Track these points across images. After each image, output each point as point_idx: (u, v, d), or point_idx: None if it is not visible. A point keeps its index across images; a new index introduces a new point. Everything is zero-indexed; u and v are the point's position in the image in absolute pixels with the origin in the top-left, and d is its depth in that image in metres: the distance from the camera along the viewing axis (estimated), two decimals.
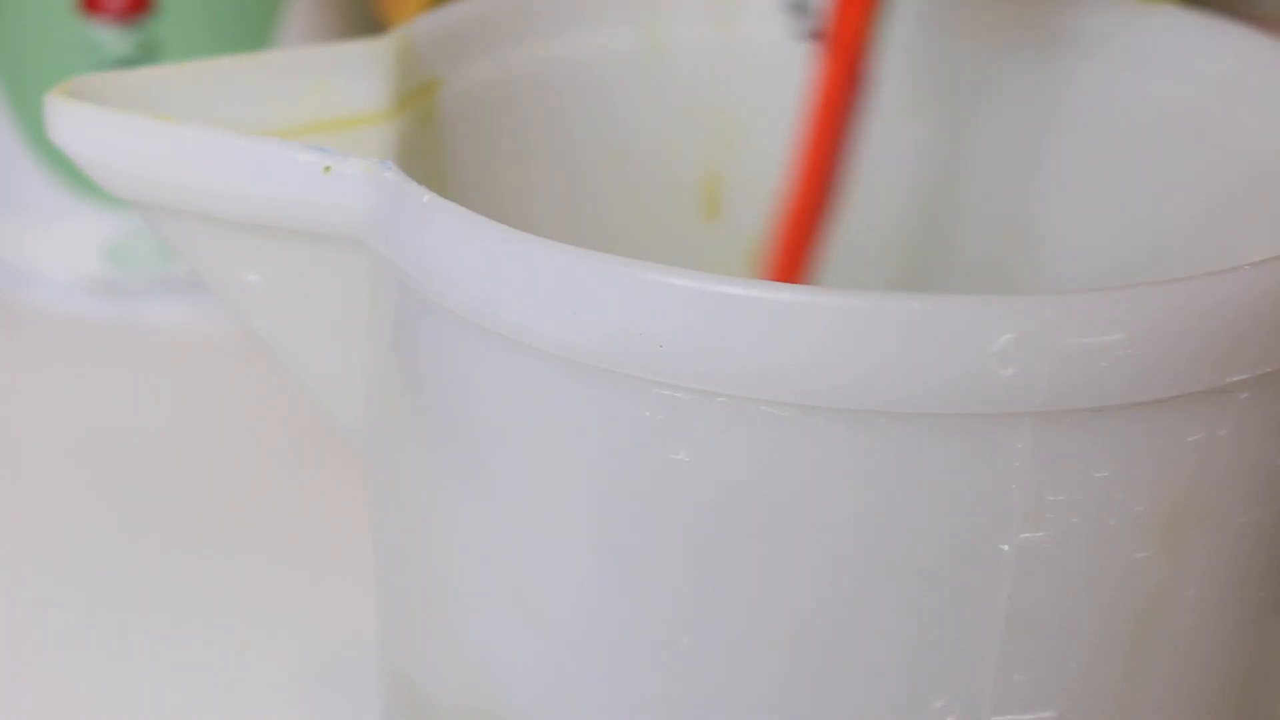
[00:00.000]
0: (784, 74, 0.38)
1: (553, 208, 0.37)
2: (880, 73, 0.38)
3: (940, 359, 0.25)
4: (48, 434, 0.47)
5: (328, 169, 0.29)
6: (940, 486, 0.26)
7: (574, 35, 0.37)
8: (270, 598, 0.40)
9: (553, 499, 0.27)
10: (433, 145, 0.34)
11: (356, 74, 0.32)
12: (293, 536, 0.42)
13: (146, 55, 0.49)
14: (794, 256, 0.34)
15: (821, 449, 0.26)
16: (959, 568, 0.26)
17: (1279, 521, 0.28)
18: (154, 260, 0.51)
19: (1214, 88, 0.35)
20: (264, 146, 0.29)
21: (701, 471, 0.26)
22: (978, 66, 0.38)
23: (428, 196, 0.27)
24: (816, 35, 0.34)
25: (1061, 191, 0.38)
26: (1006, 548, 0.26)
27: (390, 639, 0.32)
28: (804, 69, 0.38)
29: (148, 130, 0.30)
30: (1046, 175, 0.38)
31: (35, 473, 0.45)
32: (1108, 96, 0.36)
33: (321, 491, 0.44)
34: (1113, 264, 0.37)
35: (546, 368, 0.27)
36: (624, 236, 0.38)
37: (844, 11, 0.33)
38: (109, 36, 0.49)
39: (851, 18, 0.33)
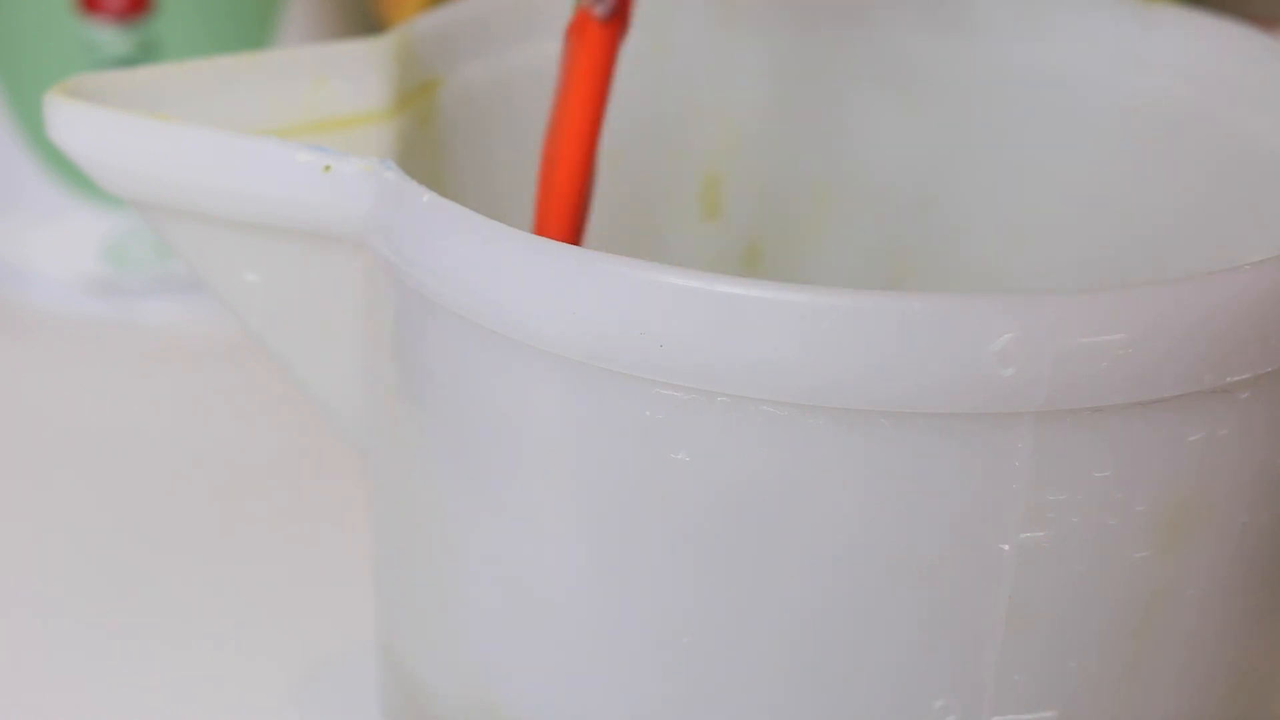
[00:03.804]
0: (784, 74, 0.38)
1: None
2: (879, 72, 0.38)
3: (940, 359, 0.25)
4: (45, 433, 0.47)
5: (327, 168, 0.29)
6: (940, 486, 0.26)
7: None
8: (270, 597, 0.40)
9: (552, 498, 0.27)
10: (432, 145, 0.34)
11: (355, 73, 0.32)
12: (292, 536, 0.42)
13: (145, 55, 0.49)
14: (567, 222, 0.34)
15: (821, 449, 0.26)
16: (959, 568, 0.26)
17: (1261, 519, 0.28)
18: (152, 260, 0.51)
19: (1214, 87, 0.35)
20: (263, 146, 0.29)
21: (701, 471, 0.26)
22: (976, 65, 0.38)
23: (427, 196, 0.27)
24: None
25: (1061, 191, 0.38)
26: (1007, 547, 0.26)
27: (390, 637, 0.32)
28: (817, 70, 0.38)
29: (146, 130, 0.30)
30: (1046, 174, 0.38)
31: (32, 471, 0.45)
32: (1107, 96, 0.36)
33: (321, 491, 0.44)
34: (1112, 264, 0.37)
35: (546, 367, 0.27)
36: (623, 236, 0.38)
37: None
38: (108, 36, 0.49)
39: None
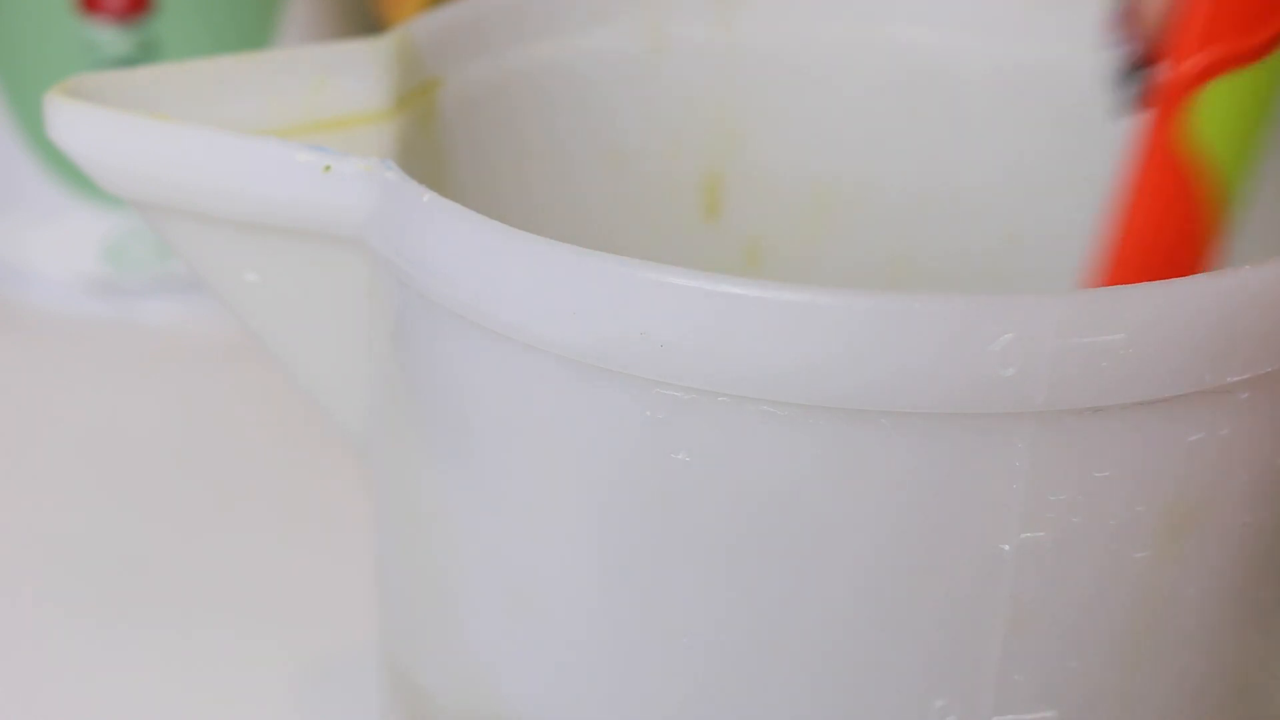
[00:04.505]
0: (784, 74, 0.38)
1: (551, 208, 0.37)
2: (880, 70, 0.38)
3: (940, 359, 0.25)
4: (45, 433, 0.47)
5: (327, 168, 0.29)
6: (940, 486, 0.25)
7: (574, 35, 0.37)
8: (270, 597, 0.40)
9: (553, 499, 0.27)
10: (432, 145, 0.34)
11: (356, 73, 0.32)
12: (292, 536, 0.42)
13: (146, 55, 0.49)
14: None
15: (822, 449, 0.25)
16: (959, 567, 0.26)
17: (1261, 519, 0.27)
18: (152, 259, 0.51)
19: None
20: (263, 146, 0.29)
21: (702, 472, 0.26)
22: (978, 65, 0.38)
23: (428, 196, 0.27)
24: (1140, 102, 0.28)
25: (1061, 191, 0.37)
26: (1007, 547, 0.26)
27: (391, 639, 0.32)
28: (818, 70, 0.38)
29: (147, 130, 0.30)
30: (1046, 174, 0.38)
31: (33, 471, 0.45)
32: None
33: (321, 491, 0.44)
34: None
35: (547, 368, 0.27)
36: (623, 236, 0.38)
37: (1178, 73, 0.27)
38: (108, 36, 0.49)
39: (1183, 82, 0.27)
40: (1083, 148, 0.37)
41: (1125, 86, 0.28)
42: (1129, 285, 0.25)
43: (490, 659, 0.29)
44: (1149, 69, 0.28)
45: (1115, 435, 0.25)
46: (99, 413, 0.48)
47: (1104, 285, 0.29)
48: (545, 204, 0.37)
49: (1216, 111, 0.26)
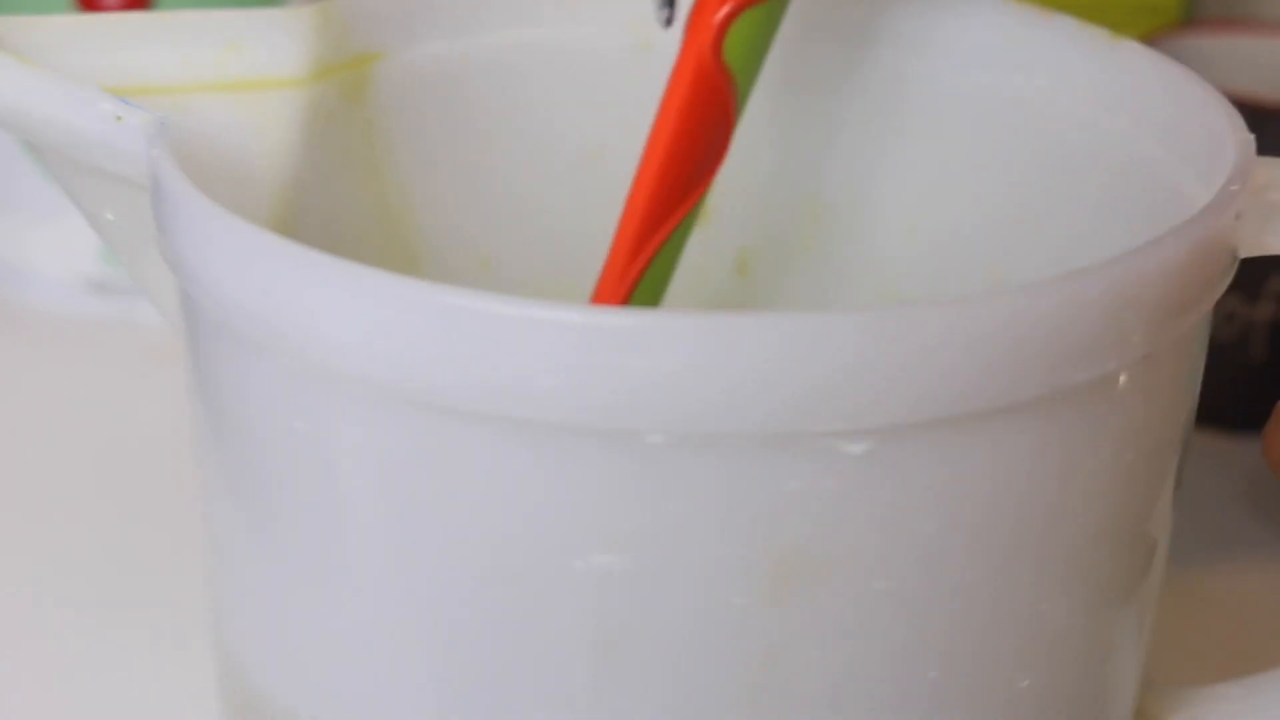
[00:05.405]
0: (771, 73, 0.38)
1: (521, 201, 0.37)
2: (869, 90, 0.37)
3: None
4: (44, 432, 0.47)
5: (119, 119, 0.29)
6: (523, 495, 0.25)
7: (553, 27, 0.36)
8: None
9: (322, 513, 0.27)
10: (362, 121, 0.34)
11: (270, 39, 0.32)
12: None
13: None
14: (628, 268, 0.33)
15: (424, 444, 0.25)
16: (537, 581, 0.25)
17: (907, 588, 0.25)
18: None
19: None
20: (69, 90, 0.30)
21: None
22: (962, 92, 0.37)
23: (178, 184, 0.27)
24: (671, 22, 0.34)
25: (1048, 210, 0.37)
26: (580, 565, 0.25)
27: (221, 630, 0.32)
28: (807, 81, 0.37)
29: None
30: (1033, 199, 0.37)
31: (31, 471, 0.45)
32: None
33: None
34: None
35: (308, 380, 0.26)
36: (604, 239, 0.37)
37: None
38: None
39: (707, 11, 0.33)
40: (1063, 173, 0.36)
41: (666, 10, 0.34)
42: (692, 318, 0.23)
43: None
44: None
45: (693, 470, 0.24)
46: (95, 411, 0.48)
47: (644, 170, 0.33)
48: (509, 197, 0.36)
49: (741, 36, 0.33)
